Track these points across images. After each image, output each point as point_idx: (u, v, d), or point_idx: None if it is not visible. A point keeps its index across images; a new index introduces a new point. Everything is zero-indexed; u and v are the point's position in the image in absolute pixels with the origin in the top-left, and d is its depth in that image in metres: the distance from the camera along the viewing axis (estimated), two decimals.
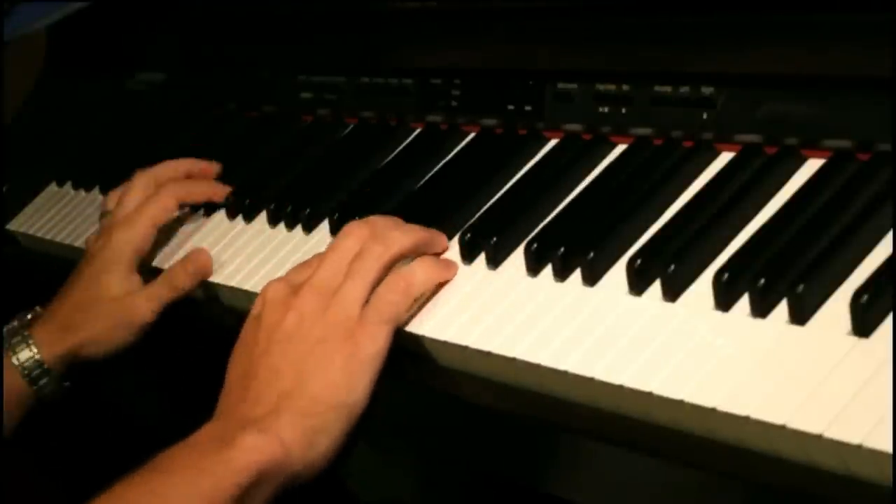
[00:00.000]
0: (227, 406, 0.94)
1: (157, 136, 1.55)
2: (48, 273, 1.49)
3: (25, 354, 1.18)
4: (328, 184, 1.22)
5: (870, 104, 0.91)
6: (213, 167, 1.31)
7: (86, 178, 1.54)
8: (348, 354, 0.92)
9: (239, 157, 1.39)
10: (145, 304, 1.18)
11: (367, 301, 0.95)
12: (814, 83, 0.95)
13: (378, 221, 1.01)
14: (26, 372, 1.18)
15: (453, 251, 1.03)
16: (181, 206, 1.27)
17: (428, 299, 0.99)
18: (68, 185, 1.57)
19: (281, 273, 1.13)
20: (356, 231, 1.00)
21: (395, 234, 0.99)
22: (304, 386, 0.91)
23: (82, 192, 1.54)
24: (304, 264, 1.02)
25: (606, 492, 0.89)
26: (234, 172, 1.34)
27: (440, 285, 0.99)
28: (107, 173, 1.51)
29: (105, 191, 1.49)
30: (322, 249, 1.13)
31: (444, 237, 1.03)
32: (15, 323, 1.22)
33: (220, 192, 1.28)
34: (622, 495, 0.88)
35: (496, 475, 1.08)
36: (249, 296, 1.15)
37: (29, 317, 1.23)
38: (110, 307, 1.19)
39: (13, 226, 1.58)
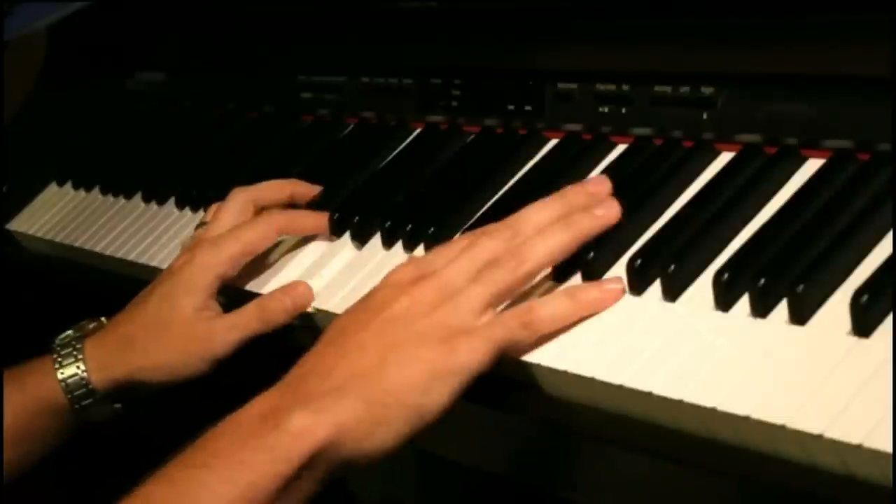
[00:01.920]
0: (298, 371, 0.88)
1: (157, 136, 1.55)
2: (48, 273, 1.49)
3: (71, 371, 1.09)
4: (328, 183, 1.22)
5: (870, 104, 0.91)
6: (317, 189, 1.20)
7: (86, 178, 1.54)
8: (439, 358, 0.85)
9: (239, 157, 1.39)
10: (225, 333, 1.07)
11: (485, 313, 0.88)
12: (814, 83, 0.95)
13: (527, 221, 0.92)
14: (68, 389, 1.09)
15: None
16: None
17: None
18: (68, 185, 1.57)
19: (281, 273, 1.14)
20: (500, 232, 0.92)
21: (537, 247, 0.90)
22: (382, 374, 0.85)
23: (82, 192, 1.54)
24: (439, 251, 0.93)
25: (607, 492, 0.89)
26: (234, 173, 1.34)
27: None
28: (107, 173, 1.52)
29: (105, 191, 1.49)
30: (322, 249, 1.14)
31: (613, 219, 0.93)
32: (69, 332, 1.13)
33: (323, 223, 1.15)
34: (622, 495, 0.88)
35: (496, 475, 1.07)
36: (242, 293, 1.15)
37: (91, 326, 1.14)
38: (183, 332, 1.08)
39: (13, 226, 1.58)
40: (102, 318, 1.14)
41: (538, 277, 0.93)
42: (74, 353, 1.10)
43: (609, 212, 0.93)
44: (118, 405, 1.11)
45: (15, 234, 1.57)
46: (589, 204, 0.94)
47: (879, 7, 0.88)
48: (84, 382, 1.09)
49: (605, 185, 0.95)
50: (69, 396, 1.09)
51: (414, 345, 0.86)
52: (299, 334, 1.08)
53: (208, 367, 1.08)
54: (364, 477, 1.39)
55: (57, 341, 1.12)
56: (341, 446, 0.83)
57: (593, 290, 0.89)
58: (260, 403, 0.86)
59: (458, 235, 1.05)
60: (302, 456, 0.82)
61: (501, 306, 0.90)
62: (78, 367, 1.09)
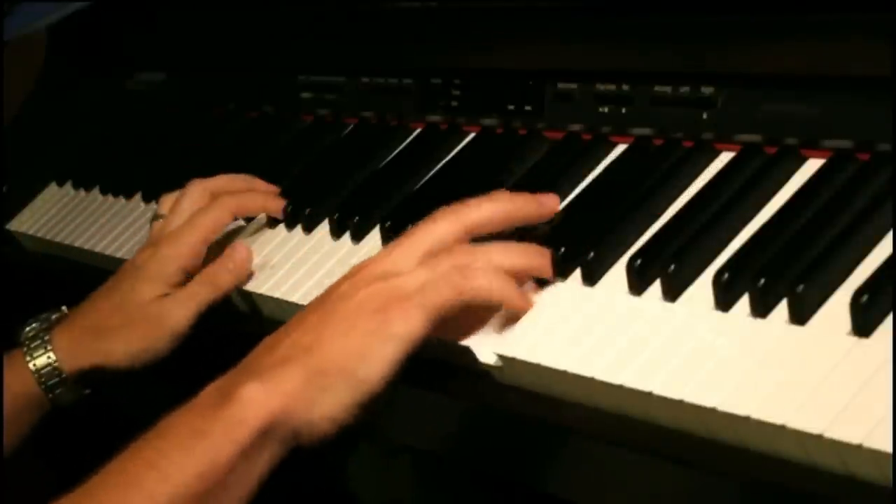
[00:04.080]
0: (247, 357, 0.91)
1: (157, 136, 1.55)
2: (48, 273, 1.49)
3: (42, 360, 1.14)
4: (328, 184, 1.22)
5: (870, 104, 0.91)
6: (271, 186, 1.24)
7: (86, 178, 1.54)
8: (374, 325, 0.88)
9: (239, 157, 1.39)
10: (180, 308, 1.12)
11: None
12: (814, 83, 0.95)
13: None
14: (42, 378, 1.14)
15: None
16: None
17: None
18: (68, 185, 1.57)
19: (280, 273, 1.14)
20: (445, 217, 0.95)
21: (492, 251, 0.93)
22: (322, 344, 0.88)
23: (82, 192, 1.54)
24: (387, 245, 0.98)
25: (606, 492, 0.89)
26: (234, 172, 1.34)
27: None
28: (106, 173, 1.52)
29: (105, 191, 1.49)
30: (323, 249, 1.14)
31: (549, 267, 0.94)
32: (35, 324, 1.17)
33: (277, 204, 1.20)
34: (622, 495, 0.88)
35: (495, 475, 1.07)
36: (243, 294, 1.15)
37: (54, 317, 1.18)
38: (141, 314, 1.12)
39: (13, 226, 1.58)
40: (63, 308, 1.18)
41: None
42: (43, 343, 1.14)
43: None
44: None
45: (15, 234, 1.57)
46: (540, 215, 0.99)
47: (880, 7, 0.88)
48: (55, 371, 1.14)
49: (555, 201, 1.00)
50: (42, 385, 1.14)
51: (350, 314, 0.89)
52: None
53: (168, 346, 1.12)
54: (364, 477, 1.39)
55: (24, 333, 1.16)
56: (291, 414, 0.86)
57: (520, 294, 0.92)
58: (214, 384, 0.89)
59: None
60: (256, 424, 0.85)
61: None
62: (48, 357, 1.14)
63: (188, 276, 1.15)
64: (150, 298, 1.13)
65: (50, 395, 1.14)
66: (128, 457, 0.86)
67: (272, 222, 1.22)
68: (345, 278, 0.94)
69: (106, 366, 1.13)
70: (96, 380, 1.15)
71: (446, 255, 0.92)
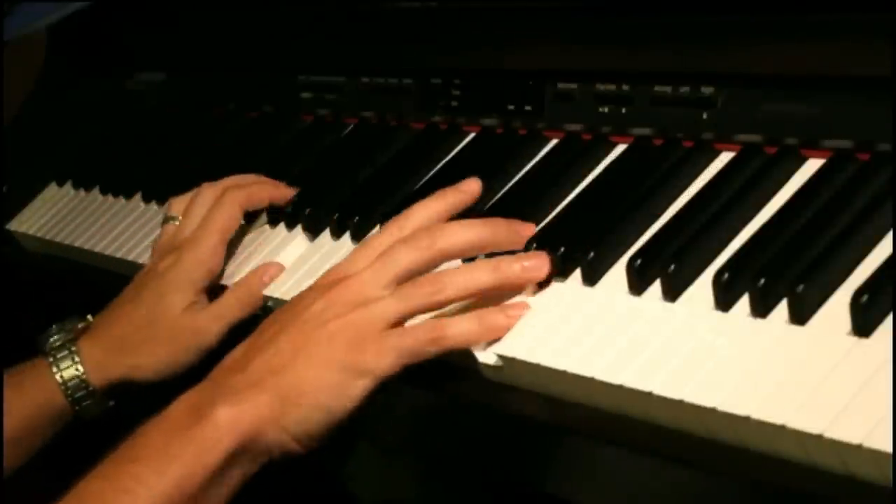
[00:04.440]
0: (220, 369, 0.93)
1: (157, 135, 1.55)
2: (48, 273, 1.49)
3: (70, 372, 1.12)
4: (328, 184, 1.22)
5: (870, 104, 0.91)
6: (281, 184, 1.22)
7: (86, 178, 1.54)
8: (349, 362, 0.90)
9: (239, 157, 1.39)
10: (212, 323, 1.11)
11: (397, 325, 0.92)
12: (814, 83, 0.95)
13: (444, 233, 0.95)
14: (69, 391, 1.12)
15: None
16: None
17: None
18: (68, 185, 1.57)
19: (283, 275, 1.14)
20: (417, 241, 0.94)
21: (458, 279, 0.92)
22: (296, 372, 0.90)
23: (82, 192, 1.54)
24: (357, 252, 0.97)
25: (606, 492, 0.89)
26: (234, 173, 1.34)
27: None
28: (106, 173, 1.52)
29: (105, 191, 1.49)
30: (323, 249, 1.14)
31: (539, 275, 0.94)
32: (59, 334, 1.15)
33: (284, 192, 1.20)
34: (622, 495, 0.88)
35: (495, 475, 1.07)
36: None
37: (79, 325, 1.16)
38: (173, 328, 1.11)
39: (13, 226, 1.58)
40: (89, 317, 1.17)
41: None
42: (70, 355, 1.13)
43: (538, 269, 0.94)
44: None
45: (15, 233, 1.57)
46: (514, 242, 0.96)
47: (880, 7, 0.88)
48: (84, 384, 1.12)
49: (531, 229, 0.98)
50: (69, 398, 1.12)
51: (324, 345, 0.91)
52: None
53: (196, 359, 1.12)
54: (364, 477, 1.39)
55: (49, 343, 1.14)
56: (262, 436, 0.89)
57: (500, 316, 0.92)
58: (186, 399, 0.90)
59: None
60: (228, 446, 0.87)
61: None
62: (77, 370, 1.12)
63: (213, 279, 1.15)
64: (180, 310, 1.12)
65: (77, 408, 1.13)
66: (102, 478, 0.87)
67: (272, 222, 1.22)
68: (316, 293, 0.94)
69: (134, 379, 1.13)
70: (122, 392, 1.14)
71: (413, 286, 0.92)
